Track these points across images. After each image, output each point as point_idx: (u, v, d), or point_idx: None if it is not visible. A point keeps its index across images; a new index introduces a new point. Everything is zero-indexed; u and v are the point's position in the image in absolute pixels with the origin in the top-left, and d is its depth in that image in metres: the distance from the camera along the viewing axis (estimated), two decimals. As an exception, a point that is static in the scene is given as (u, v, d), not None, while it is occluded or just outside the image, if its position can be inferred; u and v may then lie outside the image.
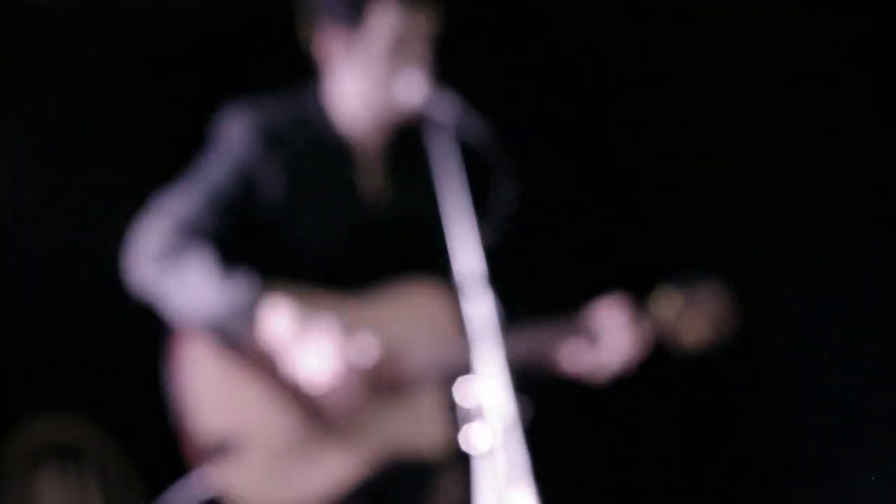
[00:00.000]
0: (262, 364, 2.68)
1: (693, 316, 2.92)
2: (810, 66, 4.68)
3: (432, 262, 2.82)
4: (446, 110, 2.55)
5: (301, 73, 2.93)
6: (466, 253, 2.36)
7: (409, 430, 2.72)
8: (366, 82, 2.76)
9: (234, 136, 2.78)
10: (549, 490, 2.26)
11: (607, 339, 2.82)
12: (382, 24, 2.71)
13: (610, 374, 2.88)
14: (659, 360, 4.25)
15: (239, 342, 2.67)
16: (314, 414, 2.69)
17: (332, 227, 2.79)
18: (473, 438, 2.28)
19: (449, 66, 2.88)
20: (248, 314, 2.63)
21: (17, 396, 4.66)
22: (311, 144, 2.81)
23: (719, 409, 4.88)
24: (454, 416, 2.69)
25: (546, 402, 2.45)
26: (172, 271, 2.68)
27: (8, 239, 4.70)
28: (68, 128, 4.76)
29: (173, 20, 4.92)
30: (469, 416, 2.30)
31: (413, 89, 2.66)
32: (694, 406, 4.88)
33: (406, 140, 2.85)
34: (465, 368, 2.69)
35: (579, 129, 5.02)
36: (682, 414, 4.93)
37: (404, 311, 2.79)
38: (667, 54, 4.90)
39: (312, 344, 2.61)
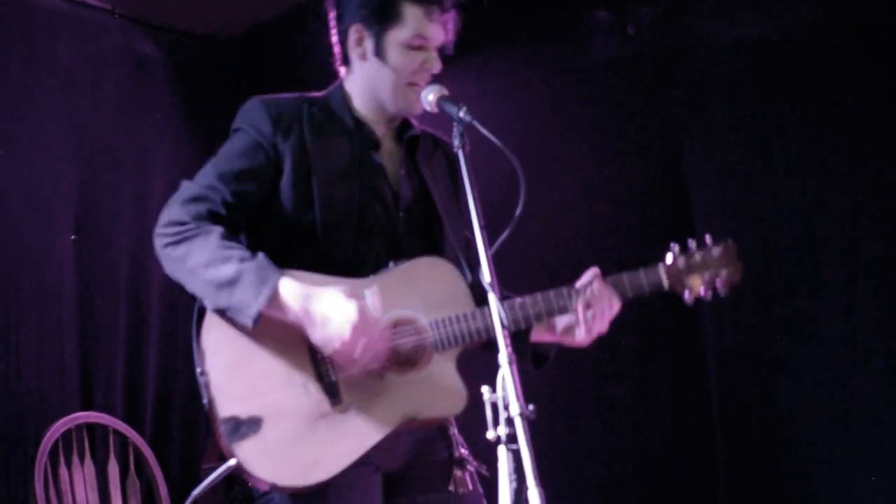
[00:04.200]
0: (279, 340, 2.73)
1: (703, 264, 2.98)
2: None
3: (443, 243, 2.97)
4: (456, 109, 2.68)
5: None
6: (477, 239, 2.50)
7: (427, 396, 2.77)
8: (385, 76, 2.94)
9: (247, 119, 2.92)
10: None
11: (590, 309, 2.91)
12: (409, 23, 2.90)
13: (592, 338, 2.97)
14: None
15: (249, 321, 2.70)
16: (333, 387, 2.73)
17: (345, 201, 2.87)
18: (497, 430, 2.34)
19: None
20: (258, 295, 2.67)
21: (48, 389, 4.75)
22: (329, 127, 2.95)
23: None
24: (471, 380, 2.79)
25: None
26: (186, 252, 2.74)
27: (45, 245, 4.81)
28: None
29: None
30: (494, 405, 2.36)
31: (424, 88, 2.89)
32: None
33: (420, 139, 3.06)
34: (481, 335, 2.81)
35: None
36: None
37: (419, 284, 2.85)
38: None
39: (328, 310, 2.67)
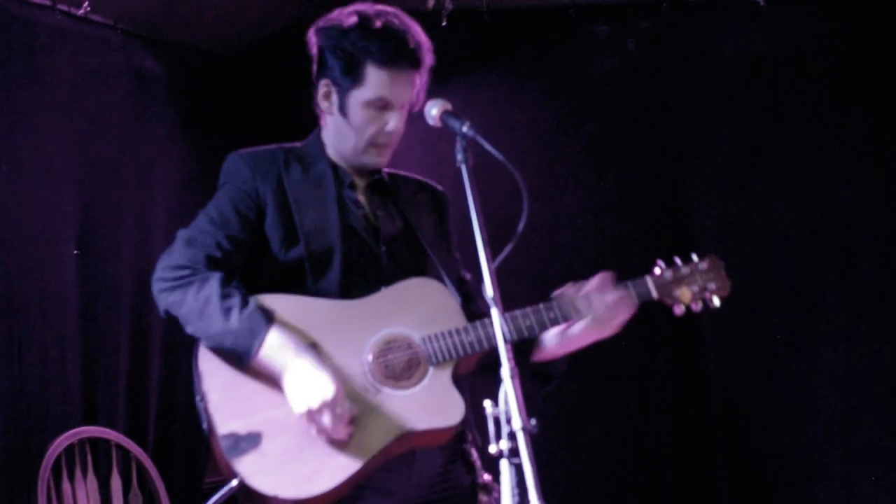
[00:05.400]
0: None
1: (691, 277, 3.02)
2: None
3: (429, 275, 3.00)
4: (460, 128, 2.68)
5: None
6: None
7: (423, 408, 2.79)
8: (347, 133, 3.03)
9: (228, 172, 3.01)
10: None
11: (596, 310, 2.94)
12: (371, 84, 2.96)
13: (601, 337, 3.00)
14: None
15: (241, 364, 2.78)
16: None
17: (328, 236, 2.94)
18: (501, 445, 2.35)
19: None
20: (249, 347, 2.75)
21: (50, 405, 4.75)
22: (305, 169, 3.04)
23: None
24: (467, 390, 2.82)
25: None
26: (181, 298, 2.82)
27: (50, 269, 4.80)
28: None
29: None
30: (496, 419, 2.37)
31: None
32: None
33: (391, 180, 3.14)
34: (474, 347, 2.84)
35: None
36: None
37: (410, 302, 2.90)
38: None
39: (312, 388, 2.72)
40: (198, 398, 2.78)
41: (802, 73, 4.82)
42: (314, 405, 2.69)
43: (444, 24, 5.00)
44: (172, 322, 2.86)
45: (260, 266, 2.94)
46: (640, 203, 5.15)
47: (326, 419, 2.70)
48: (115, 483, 4.41)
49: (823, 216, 4.79)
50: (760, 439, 4.91)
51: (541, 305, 2.91)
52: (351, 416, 2.73)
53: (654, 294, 2.99)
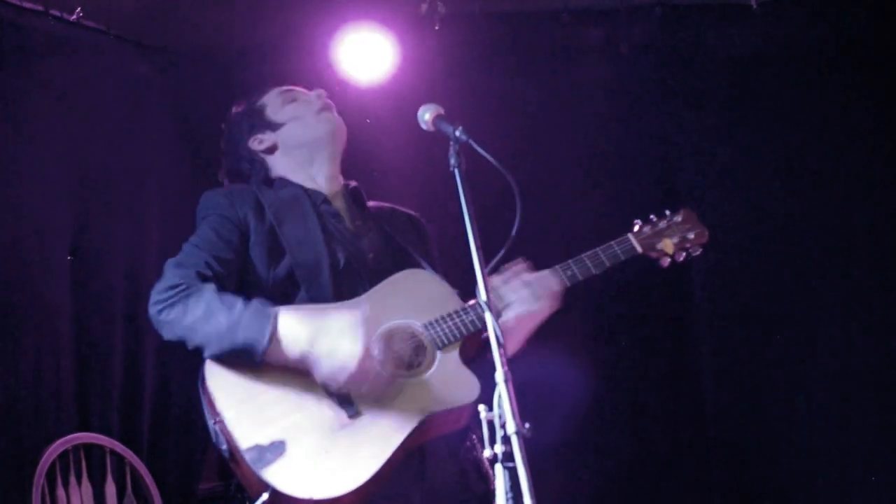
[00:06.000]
0: (282, 366, 2.79)
1: (669, 229, 3.15)
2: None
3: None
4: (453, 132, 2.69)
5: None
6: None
7: (440, 390, 2.82)
8: (297, 127, 3.22)
9: (206, 205, 3.07)
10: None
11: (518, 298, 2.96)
12: (272, 90, 3.28)
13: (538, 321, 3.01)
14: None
15: (256, 357, 2.77)
16: (347, 399, 2.78)
17: (313, 245, 2.99)
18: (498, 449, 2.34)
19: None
20: (262, 336, 2.75)
21: (50, 415, 4.75)
22: (281, 192, 3.13)
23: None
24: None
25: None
26: (182, 311, 2.81)
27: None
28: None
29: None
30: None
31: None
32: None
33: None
34: (475, 325, 2.87)
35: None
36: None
37: (404, 293, 2.95)
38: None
39: (331, 341, 2.74)
40: (211, 422, 2.76)
41: (794, 74, 4.83)
42: (353, 368, 2.71)
43: (436, 28, 5.00)
44: (178, 345, 2.85)
45: (250, 287, 2.95)
46: (634, 207, 5.14)
47: (368, 378, 2.73)
48: (110, 489, 4.40)
49: (818, 214, 4.80)
50: (755, 445, 4.91)
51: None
52: (375, 397, 2.77)
53: (639, 249, 3.11)
